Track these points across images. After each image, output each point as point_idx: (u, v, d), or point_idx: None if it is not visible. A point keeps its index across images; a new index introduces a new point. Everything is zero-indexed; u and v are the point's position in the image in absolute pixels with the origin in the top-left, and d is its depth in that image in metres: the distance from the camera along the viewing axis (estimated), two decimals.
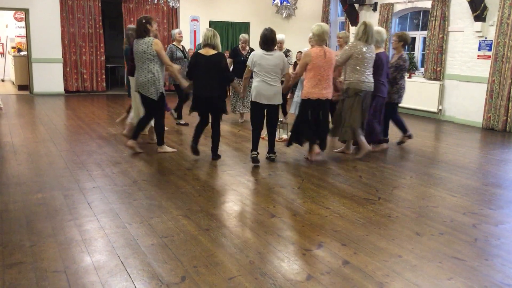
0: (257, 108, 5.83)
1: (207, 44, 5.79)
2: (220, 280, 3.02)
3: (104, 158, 6.02)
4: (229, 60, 9.53)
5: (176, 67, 6.33)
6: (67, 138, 7.17)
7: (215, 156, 6.11)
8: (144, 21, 5.99)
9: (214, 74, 5.74)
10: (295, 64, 12.67)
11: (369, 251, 3.51)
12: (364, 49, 6.04)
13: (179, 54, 8.30)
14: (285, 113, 10.46)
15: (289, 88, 6.35)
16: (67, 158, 5.93)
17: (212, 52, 5.77)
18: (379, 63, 6.31)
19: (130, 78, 6.77)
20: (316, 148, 6.18)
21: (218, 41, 5.84)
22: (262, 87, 5.69)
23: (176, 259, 3.30)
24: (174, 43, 8.47)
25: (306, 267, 3.25)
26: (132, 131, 6.43)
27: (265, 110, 5.85)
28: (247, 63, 5.84)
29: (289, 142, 6.21)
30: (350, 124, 6.12)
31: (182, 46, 8.57)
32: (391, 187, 5.12)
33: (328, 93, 5.80)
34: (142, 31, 6.00)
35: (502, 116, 8.76)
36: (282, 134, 7.54)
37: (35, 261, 3.21)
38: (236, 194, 4.82)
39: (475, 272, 3.23)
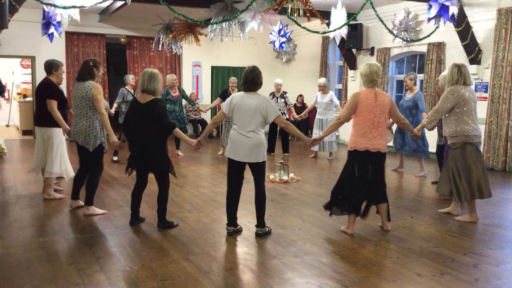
0: (232, 167, 4.79)
1: (143, 90, 4.90)
2: None
3: (106, 202, 6.06)
4: (218, 100, 10.09)
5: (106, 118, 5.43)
6: (69, 183, 7.21)
7: (161, 223, 4.99)
8: (91, 63, 5.43)
9: (150, 125, 4.81)
10: (295, 107, 12.88)
11: None
12: (467, 94, 5.31)
13: (130, 97, 9.09)
14: (286, 150, 10.51)
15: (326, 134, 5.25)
16: (70, 202, 5.96)
17: (149, 98, 4.87)
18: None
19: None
20: (386, 224, 5.06)
21: (156, 84, 4.87)
22: (237, 138, 4.65)
23: None
24: (126, 87, 9.35)
25: None
26: (71, 191, 5.79)
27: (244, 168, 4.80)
28: (221, 107, 4.83)
29: (327, 206, 5.05)
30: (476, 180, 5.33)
31: (134, 89, 9.44)
32: (391, 228, 5.12)
33: (380, 144, 4.77)
34: (87, 73, 5.40)
35: (501, 156, 8.83)
36: (283, 176, 7.57)
37: None
38: (237, 235, 4.83)
39: None
